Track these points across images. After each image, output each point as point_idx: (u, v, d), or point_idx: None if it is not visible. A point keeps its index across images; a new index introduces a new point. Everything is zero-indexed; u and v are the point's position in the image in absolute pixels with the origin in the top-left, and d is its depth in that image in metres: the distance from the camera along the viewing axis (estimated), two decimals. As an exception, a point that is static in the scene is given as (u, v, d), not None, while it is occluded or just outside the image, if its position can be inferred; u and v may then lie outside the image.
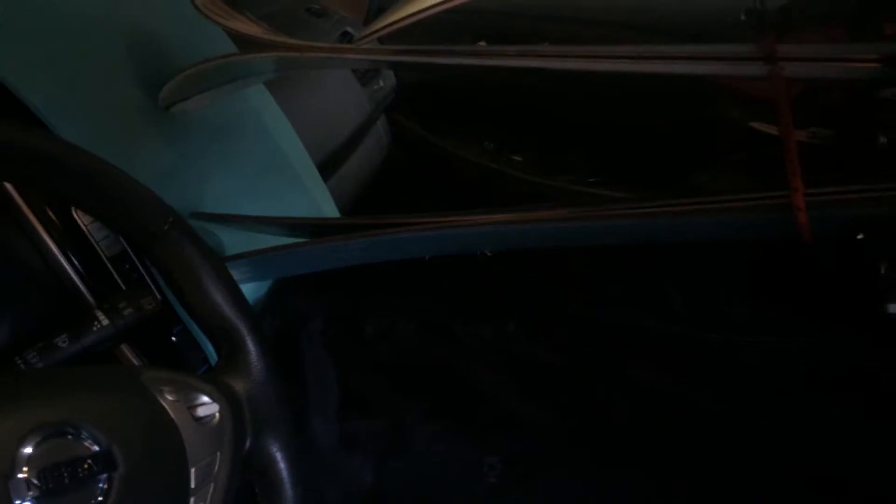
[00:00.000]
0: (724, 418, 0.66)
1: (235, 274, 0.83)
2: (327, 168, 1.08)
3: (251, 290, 0.89)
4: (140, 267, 0.77)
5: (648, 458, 0.66)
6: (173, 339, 0.79)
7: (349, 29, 1.17)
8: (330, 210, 1.04)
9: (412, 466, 0.72)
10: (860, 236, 0.64)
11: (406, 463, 0.72)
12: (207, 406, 0.52)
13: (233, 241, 0.87)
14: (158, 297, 0.75)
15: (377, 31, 0.76)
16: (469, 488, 0.70)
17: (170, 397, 0.50)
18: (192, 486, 0.49)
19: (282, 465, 0.60)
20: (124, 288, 0.75)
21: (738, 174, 0.90)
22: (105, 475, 0.44)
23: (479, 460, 0.71)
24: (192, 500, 0.49)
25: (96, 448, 0.44)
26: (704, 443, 0.66)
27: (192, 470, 0.49)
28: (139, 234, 0.58)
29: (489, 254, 0.82)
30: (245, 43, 0.84)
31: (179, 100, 0.84)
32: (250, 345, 0.61)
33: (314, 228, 0.85)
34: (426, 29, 0.98)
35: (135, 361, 0.74)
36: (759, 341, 0.69)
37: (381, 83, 1.24)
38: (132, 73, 0.83)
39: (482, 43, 1.15)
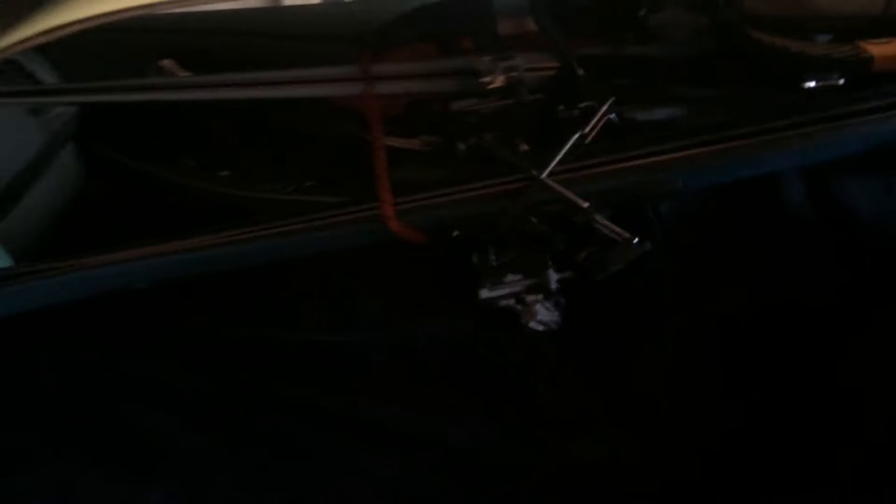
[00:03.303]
0: (351, 416, 0.71)
1: None
2: (-8, 210, 1.00)
3: None
4: None
5: (291, 467, 0.70)
6: None
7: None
8: (-2, 256, 0.97)
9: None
10: (455, 233, 0.73)
11: (72, 514, 0.70)
12: None
13: None
14: None
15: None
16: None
17: None
18: None
19: None
20: None
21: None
22: None
23: (145, 497, 0.71)
24: None
25: None
26: (343, 442, 0.71)
27: None
28: None
29: (145, 286, 0.81)
30: None
31: None
32: None
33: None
34: (108, 45, 0.92)
35: None
36: (380, 336, 0.76)
37: (59, 109, 1.16)
38: None
39: (166, 61, 1.11)
